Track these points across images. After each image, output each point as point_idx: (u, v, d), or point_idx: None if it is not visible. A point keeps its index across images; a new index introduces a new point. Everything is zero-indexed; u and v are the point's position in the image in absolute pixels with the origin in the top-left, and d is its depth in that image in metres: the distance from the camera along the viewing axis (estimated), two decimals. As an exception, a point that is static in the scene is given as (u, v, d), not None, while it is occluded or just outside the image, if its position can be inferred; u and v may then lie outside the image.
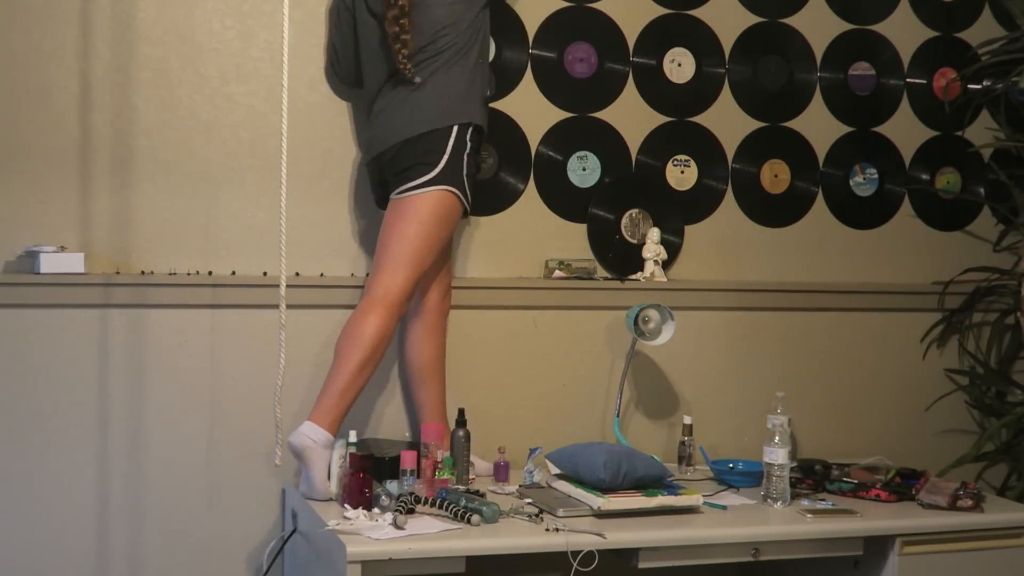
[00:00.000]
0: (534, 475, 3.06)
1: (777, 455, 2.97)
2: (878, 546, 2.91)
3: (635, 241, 3.61)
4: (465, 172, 3.05)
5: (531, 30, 3.51)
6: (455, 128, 3.03)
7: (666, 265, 3.59)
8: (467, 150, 3.05)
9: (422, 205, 3.01)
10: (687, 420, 3.41)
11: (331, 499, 2.85)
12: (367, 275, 3.29)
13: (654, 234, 3.56)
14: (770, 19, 3.74)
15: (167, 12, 3.17)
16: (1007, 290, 3.84)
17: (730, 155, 3.71)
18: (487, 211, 3.46)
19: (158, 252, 3.16)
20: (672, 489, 2.91)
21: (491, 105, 3.45)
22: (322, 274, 3.30)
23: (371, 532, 2.57)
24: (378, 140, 3.10)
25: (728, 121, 3.70)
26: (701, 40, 3.68)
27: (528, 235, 3.51)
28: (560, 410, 3.50)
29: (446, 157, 3.01)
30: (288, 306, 2.70)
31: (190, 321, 3.17)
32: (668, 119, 3.64)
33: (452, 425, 3.15)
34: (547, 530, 2.66)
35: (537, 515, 2.75)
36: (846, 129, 3.83)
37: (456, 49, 3.04)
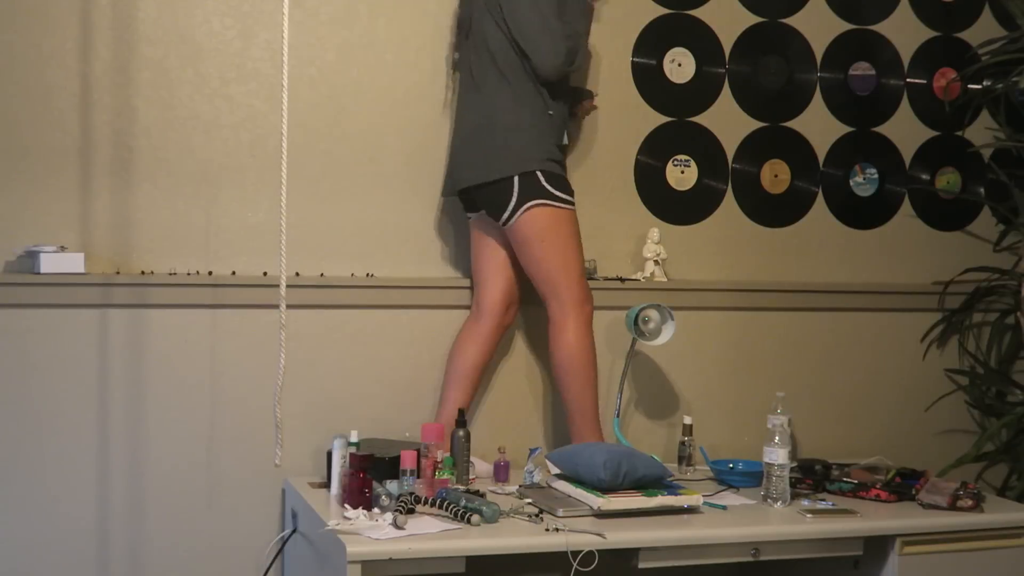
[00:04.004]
0: (534, 475, 3.05)
1: (777, 455, 2.97)
2: (878, 546, 2.91)
3: (635, 241, 3.61)
4: (544, 177, 3.10)
5: (531, 30, 3.50)
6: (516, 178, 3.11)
7: (666, 265, 3.59)
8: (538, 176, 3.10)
9: (527, 227, 3.10)
10: (687, 420, 3.41)
11: None
12: (367, 275, 3.31)
13: (654, 234, 3.56)
14: (770, 19, 3.74)
15: (167, 12, 3.17)
16: (1007, 290, 3.84)
17: (730, 155, 3.71)
18: (487, 211, 3.47)
19: (158, 252, 3.17)
20: (672, 489, 2.90)
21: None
22: (322, 274, 3.29)
23: (371, 532, 2.56)
24: None
25: (728, 121, 3.70)
26: (701, 40, 3.67)
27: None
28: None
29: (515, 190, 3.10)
30: (288, 306, 2.70)
31: (190, 321, 3.17)
32: (668, 119, 3.64)
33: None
34: (547, 530, 2.66)
35: (537, 515, 2.75)
36: (846, 129, 3.83)
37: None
